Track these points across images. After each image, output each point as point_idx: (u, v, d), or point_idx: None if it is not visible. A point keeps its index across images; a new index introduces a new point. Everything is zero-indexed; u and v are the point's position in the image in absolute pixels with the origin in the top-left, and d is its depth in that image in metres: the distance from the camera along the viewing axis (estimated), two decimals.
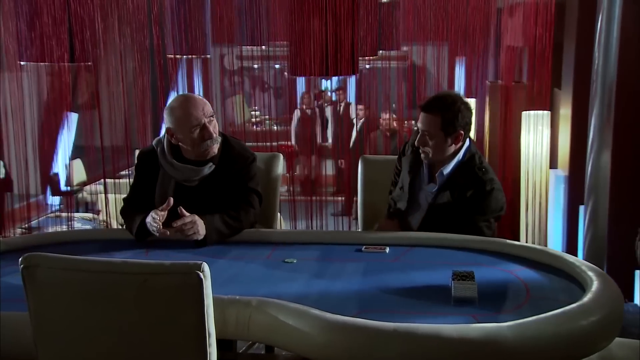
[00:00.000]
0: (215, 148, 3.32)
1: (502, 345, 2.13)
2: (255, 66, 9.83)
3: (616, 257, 3.47)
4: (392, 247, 3.13)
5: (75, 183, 8.96)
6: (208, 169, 3.32)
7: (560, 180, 5.96)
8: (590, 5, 5.37)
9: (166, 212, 3.11)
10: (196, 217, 3.10)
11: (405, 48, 8.04)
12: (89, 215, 7.35)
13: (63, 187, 8.84)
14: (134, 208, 3.33)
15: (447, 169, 3.39)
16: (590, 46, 5.28)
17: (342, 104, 9.64)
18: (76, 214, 7.44)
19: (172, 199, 3.11)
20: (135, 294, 2.08)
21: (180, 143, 3.31)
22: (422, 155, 3.42)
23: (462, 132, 3.34)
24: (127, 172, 8.16)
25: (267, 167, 3.60)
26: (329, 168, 9.08)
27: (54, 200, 8.83)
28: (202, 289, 2.06)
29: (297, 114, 9.50)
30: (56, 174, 8.78)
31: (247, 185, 3.38)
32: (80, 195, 8.75)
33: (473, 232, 3.28)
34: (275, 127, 9.13)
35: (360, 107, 8.81)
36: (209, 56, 7.34)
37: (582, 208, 5.46)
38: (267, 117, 9.43)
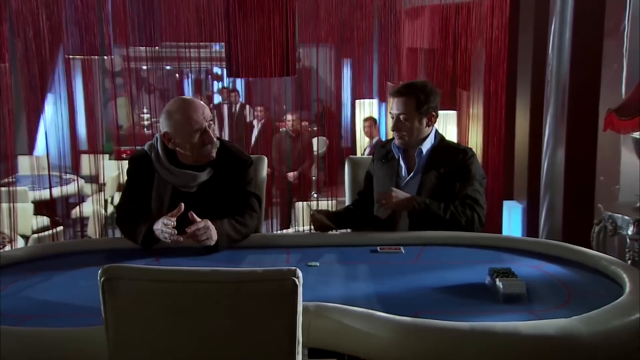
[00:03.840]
0: (214, 152, 3.21)
1: (579, 339, 2.17)
2: (144, 67, 9.54)
3: None
4: (405, 247, 3.13)
5: None
6: (207, 174, 3.21)
7: None
8: (506, 10, 5.60)
9: (176, 217, 2.98)
10: (209, 223, 2.98)
11: (299, 50, 8.09)
12: None
13: None
14: (131, 216, 3.16)
15: (426, 146, 3.50)
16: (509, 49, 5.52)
17: (237, 106, 9.52)
18: None
19: (182, 205, 2.98)
20: (226, 302, 1.99)
21: (177, 148, 3.18)
22: (398, 141, 3.50)
23: (434, 113, 3.49)
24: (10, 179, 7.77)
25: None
26: None
27: None
28: (297, 296, 2.00)
29: None
30: None
31: (247, 190, 3.29)
32: None
33: (470, 202, 3.37)
34: None
35: (259, 108, 8.73)
36: (112, 57, 7.10)
37: (506, 203, 5.71)
38: (156, 119, 9.15)
